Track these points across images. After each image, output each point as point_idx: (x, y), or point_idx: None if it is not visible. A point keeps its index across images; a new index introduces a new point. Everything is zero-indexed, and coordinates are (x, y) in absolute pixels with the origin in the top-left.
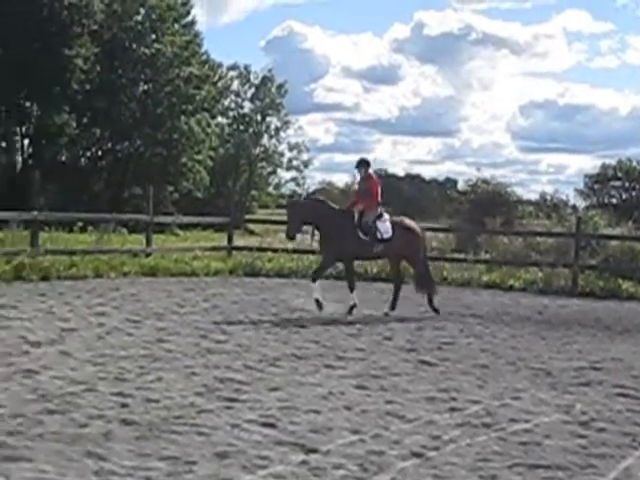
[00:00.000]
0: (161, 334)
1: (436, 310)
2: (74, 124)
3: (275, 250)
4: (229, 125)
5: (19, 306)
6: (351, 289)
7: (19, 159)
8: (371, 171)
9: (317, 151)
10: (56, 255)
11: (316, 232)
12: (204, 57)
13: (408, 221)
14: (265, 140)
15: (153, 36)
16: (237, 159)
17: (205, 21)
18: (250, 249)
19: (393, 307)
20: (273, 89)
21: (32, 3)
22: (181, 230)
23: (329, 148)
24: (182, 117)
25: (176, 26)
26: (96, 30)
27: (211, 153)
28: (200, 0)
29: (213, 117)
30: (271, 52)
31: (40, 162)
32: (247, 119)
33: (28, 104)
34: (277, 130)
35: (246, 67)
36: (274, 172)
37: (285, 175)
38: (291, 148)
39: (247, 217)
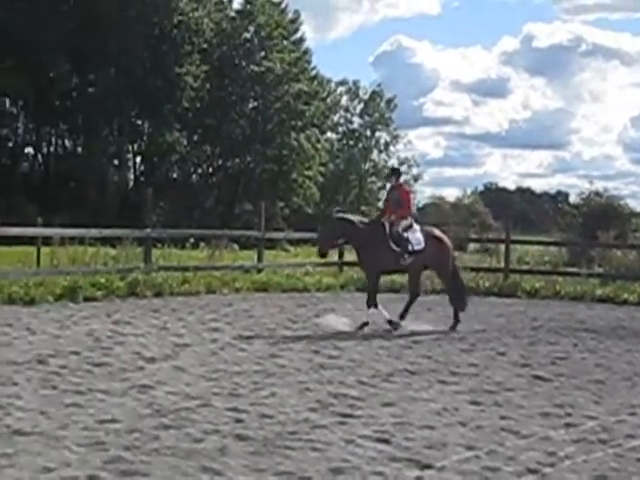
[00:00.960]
0: (274, 349)
1: (458, 321)
2: (185, 141)
3: None
4: (338, 140)
5: (133, 322)
6: (369, 304)
7: (131, 177)
8: (402, 180)
9: (426, 165)
10: (169, 271)
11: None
12: (313, 73)
13: (438, 232)
14: (375, 155)
15: (262, 53)
16: (347, 174)
17: (314, 37)
18: None
19: (403, 316)
20: (382, 104)
21: (144, 23)
22: (291, 246)
23: (438, 162)
24: (292, 133)
25: (285, 43)
26: (206, 48)
27: (321, 169)
28: (309, 17)
29: (323, 133)
30: (380, 67)
31: (152, 179)
32: (356, 134)
33: (140, 122)
34: (386, 145)
35: (355, 82)
36: (384, 187)
37: None
38: (401, 163)
39: None
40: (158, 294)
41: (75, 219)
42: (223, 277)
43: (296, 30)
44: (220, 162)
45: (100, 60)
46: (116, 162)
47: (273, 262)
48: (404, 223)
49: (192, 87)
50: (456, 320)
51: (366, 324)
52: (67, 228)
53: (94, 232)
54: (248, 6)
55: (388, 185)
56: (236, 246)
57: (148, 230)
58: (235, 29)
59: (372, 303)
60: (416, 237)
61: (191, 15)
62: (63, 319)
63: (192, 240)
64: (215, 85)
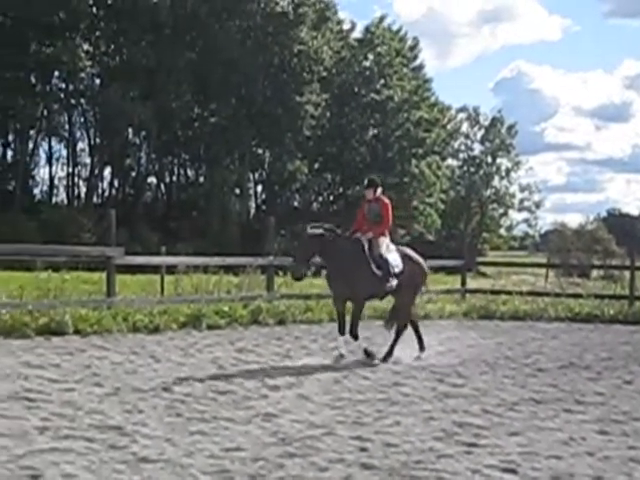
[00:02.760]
0: (397, 378)
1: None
2: (306, 170)
3: (509, 292)
4: (459, 167)
5: (256, 350)
6: (351, 333)
7: (253, 205)
8: (380, 192)
9: (548, 191)
10: (291, 299)
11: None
12: (433, 100)
13: (413, 252)
14: (496, 181)
15: (382, 81)
16: (468, 201)
17: (433, 64)
18: (484, 292)
19: (422, 347)
20: (503, 130)
21: (264, 52)
22: None
23: (560, 188)
24: (412, 160)
25: (405, 70)
26: (325, 76)
27: (442, 195)
28: (428, 44)
29: (443, 159)
30: (500, 93)
31: (273, 208)
32: (477, 161)
33: (261, 151)
34: (507, 171)
35: (475, 109)
36: (505, 214)
37: (516, 216)
38: (522, 189)
39: (479, 259)
40: (281, 322)
41: (197, 248)
42: None
43: (415, 57)
44: (341, 190)
45: (221, 90)
46: (237, 191)
47: None
48: (385, 242)
49: (312, 115)
50: (422, 347)
51: (342, 356)
52: (191, 256)
53: (217, 260)
54: (368, 35)
55: (366, 196)
56: None
57: (271, 258)
58: (355, 57)
59: (356, 332)
60: (394, 257)
61: (311, 44)
62: (187, 347)
63: (313, 268)
64: (335, 113)
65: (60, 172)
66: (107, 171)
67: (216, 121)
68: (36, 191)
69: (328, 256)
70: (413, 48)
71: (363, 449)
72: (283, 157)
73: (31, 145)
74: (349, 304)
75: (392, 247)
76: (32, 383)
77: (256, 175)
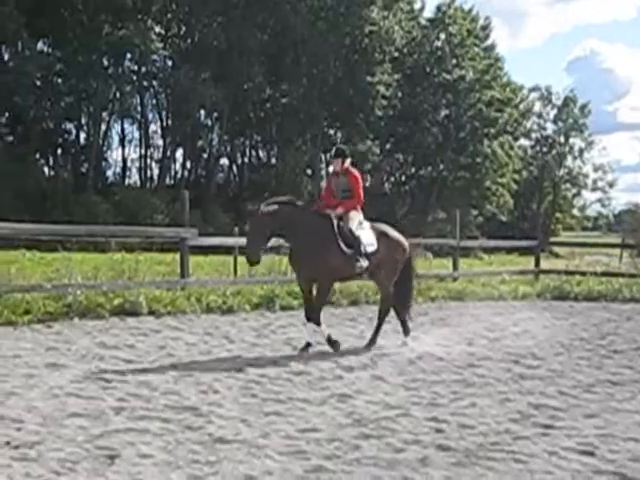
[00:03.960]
0: (472, 359)
1: (408, 332)
2: (377, 150)
3: (583, 273)
4: (532, 147)
5: (330, 331)
6: (314, 320)
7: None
8: (348, 163)
9: (621, 171)
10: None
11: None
12: (505, 80)
13: (391, 229)
14: (569, 161)
15: (454, 61)
16: (541, 181)
17: (505, 44)
18: (558, 272)
19: (407, 332)
20: (576, 110)
21: (335, 33)
22: (485, 254)
23: (634, 168)
24: (485, 140)
25: (476, 50)
26: (397, 57)
27: (514, 176)
28: (500, 23)
29: (516, 139)
30: (573, 72)
31: None
32: (550, 141)
33: (332, 131)
34: (581, 151)
35: (547, 88)
36: (578, 194)
37: (590, 196)
38: (596, 169)
39: (552, 240)
40: (354, 302)
41: None
42: (418, 286)
43: (487, 37)
44: (412, 170)
45: (293, 71)
46: (309, 172)
47: (468, 270)
48: (357, 218)
49: (384, 96)
50: (406, 331)
51: (309, 345)
52: None
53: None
54: (439, 14)
55: (331, 169)
56: (430, 254)
57: None
58: (426, 37)
59: (316, 316)
60: (367, 235)
61: (382, 24)
62: (260, 328)
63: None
64: (407, 93)
65: (133, 154)
66: (179, 153)
67: (288, 102)
68: (109, 173)
69: (290, 233)
70: (485, 28)
71: (439, 430)
72: (354, 138)
73: (104, 127)
74: None
75: (366, 224)
76: (107, 363)
77: (327, 156)
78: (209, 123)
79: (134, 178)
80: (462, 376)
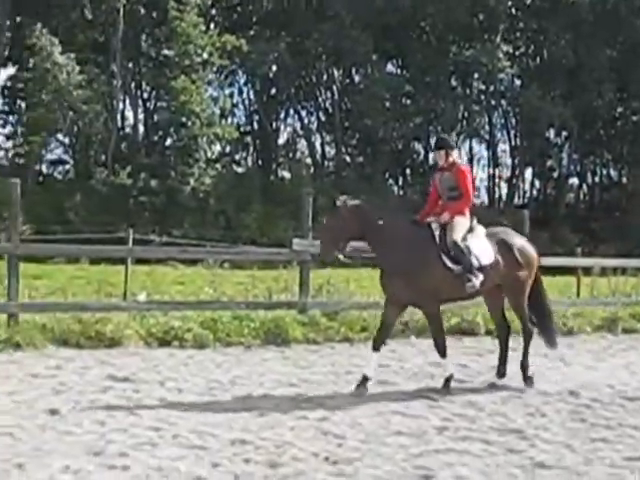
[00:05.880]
0: None
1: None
2: None
3: None
4: None
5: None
6: (442, 352)
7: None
8: (455, 156)
9: None
10: None
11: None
12: None
13: (514, 235)
14: None
15: None
16: None
17: None
18: None
19: (503, 373)
20: None
21: (574, 15)
22: None
23: None
24: None
25: None
26: None
27: None
28: None
29: None
30: None
31: None
32: None
33: None
34: None
35: None
36: None
37: None
38: None
39: None
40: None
41: (618, 249)
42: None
43: None
44: None
45: None
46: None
47: None
48: (464, 225)
49: None
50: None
51: (451, 378)
52: (608, 258)
53: (635, 262)
54: None
55: (438, 162)
56: None
57: None
58: None
59: (442, 351)
60: (480, 245)
61: None
62: (599, 350)
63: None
64: None
65: (481, 173)
66: (528, 172)
67: (638, 119)
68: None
69: (378, 243)
70: None
71: None
72: None
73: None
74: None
75: (479, 230)
76: (437, 382)
77: None
78: (558, 142)
79: (482, 197)
80: None
